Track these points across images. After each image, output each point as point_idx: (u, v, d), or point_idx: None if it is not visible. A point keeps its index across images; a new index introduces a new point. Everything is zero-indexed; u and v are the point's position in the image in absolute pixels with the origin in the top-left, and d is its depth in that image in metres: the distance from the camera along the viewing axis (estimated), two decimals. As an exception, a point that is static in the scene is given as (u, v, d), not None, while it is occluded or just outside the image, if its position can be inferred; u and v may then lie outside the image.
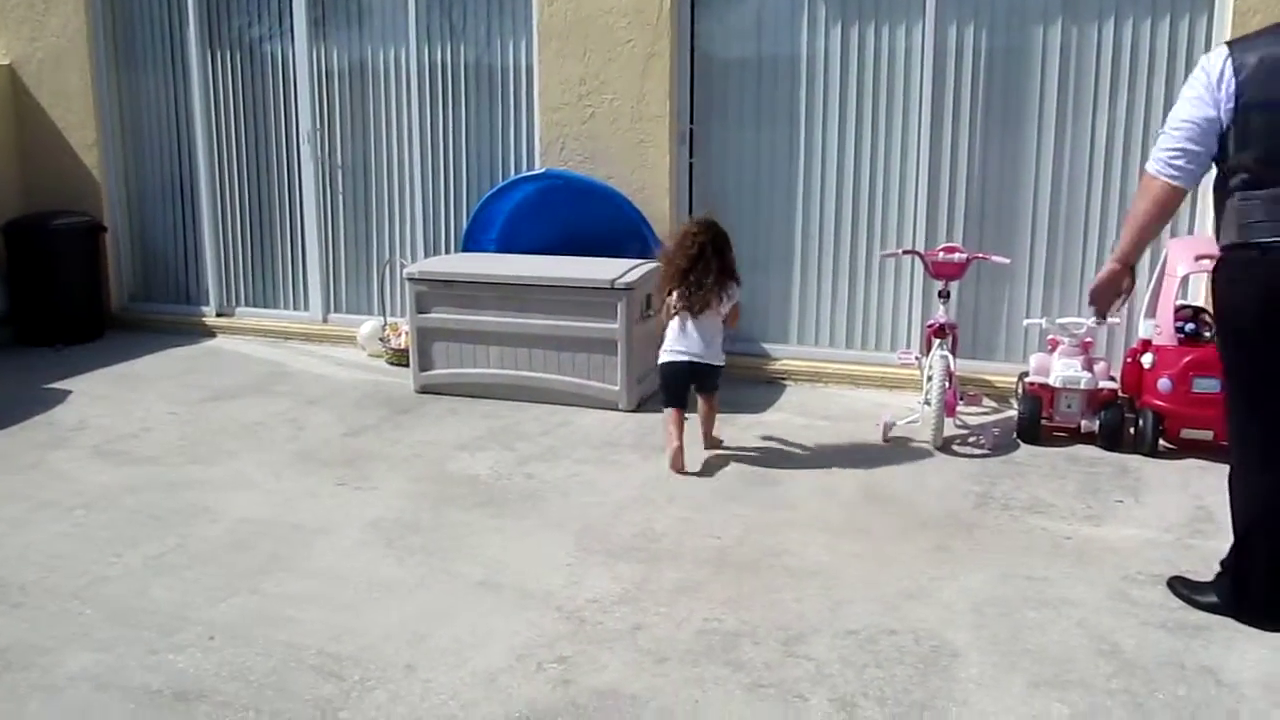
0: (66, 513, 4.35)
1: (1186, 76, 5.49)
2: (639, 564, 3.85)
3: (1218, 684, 3.04)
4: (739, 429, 5.37)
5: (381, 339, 6.75)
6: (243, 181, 7.46)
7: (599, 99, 6.30)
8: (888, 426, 5.21)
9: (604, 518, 4.27)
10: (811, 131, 6.16)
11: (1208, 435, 4.90)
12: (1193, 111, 3.24)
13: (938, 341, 5.17)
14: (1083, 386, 5.11)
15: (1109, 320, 4.04)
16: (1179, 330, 4.97)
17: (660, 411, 5.27)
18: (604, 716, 2.90)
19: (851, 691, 3.02)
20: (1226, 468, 3.47)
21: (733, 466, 4.87)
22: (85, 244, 7.39)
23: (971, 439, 5.21)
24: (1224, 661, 3.18)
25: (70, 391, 6.10)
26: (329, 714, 2.92)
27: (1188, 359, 4.87)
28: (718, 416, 5.17)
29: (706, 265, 4.81)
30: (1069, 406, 5.16)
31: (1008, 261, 5.52)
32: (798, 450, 5.09)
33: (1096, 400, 5.16)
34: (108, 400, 5.95)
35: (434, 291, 5.90)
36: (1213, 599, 3.49)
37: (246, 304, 7.62)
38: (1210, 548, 3.88)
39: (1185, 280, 5.13)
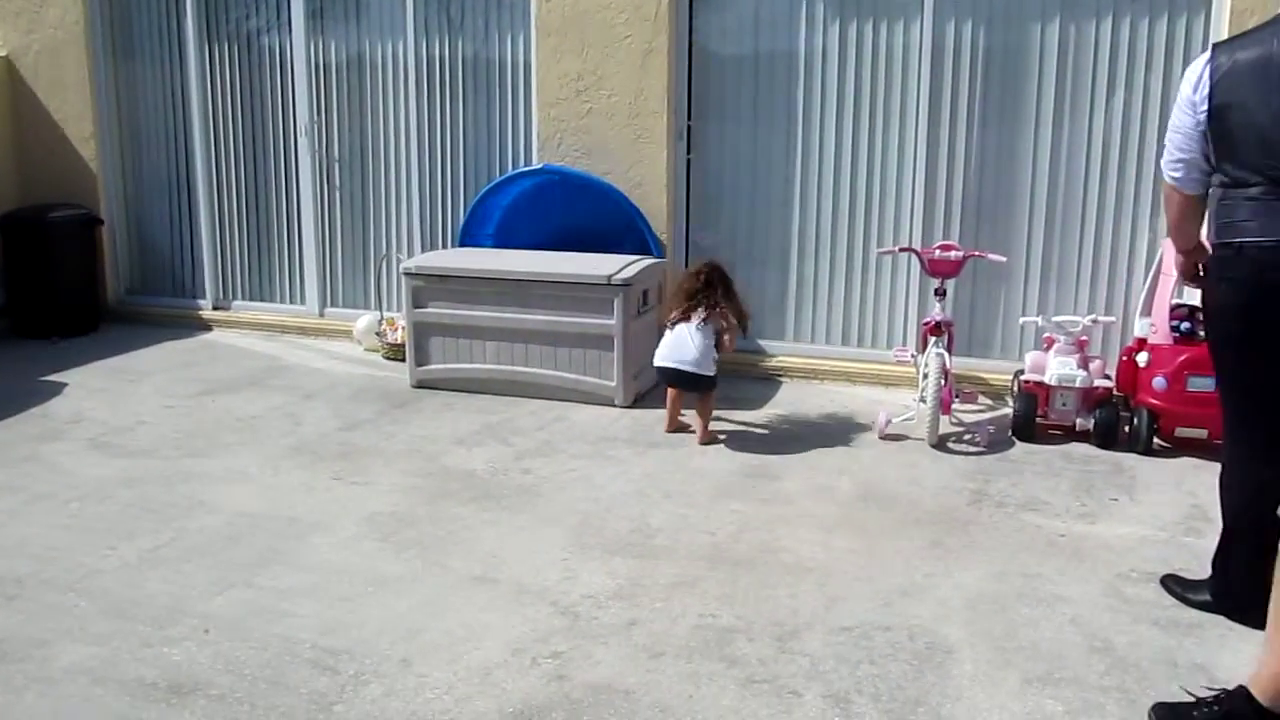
0: (62, 505, 4.35)
1: (1184, 69, 5.55)
2: (634, 559, 3.85)
3: (1211, 681, 3.04)
4: (735, 425, 5.38)
5: (378, 333, 6.75)
6: (239, 175, 7.46)
7: (597, 94, 6.30)
8: (884, 424, 5.22)
9: (600, 513, 4.28)
10: (809, 128, 6.16)
11: (1202, 434, 4.91)
12: (1179, 119, 3.31)
13: (934, 339, 5.18)
14: (1078, 384, 5.12)
15: None
16: (1174, 329, 4.99)
17: (657, 408, 5.38)
18: (598, 711, 2.91)
19: (845, 688, 3.03)
20: (1220, 465, 3.48)
21: (728, 463, 4.88)
22: (81, 236, 7.39)
23: (967, 436, 5.22)
24: (1217, 659, 3.19)
25: (66, 384, 6.10)
26: (324, 708, 2.92)
27: (1183, 357, 4.88)
28: (714, 413, 5.22)
29: (712, 291, 5.18)
30: (1064, 404, 5.17)
31: (1004, 259, 5.53)
32: (793, 447, 5.09)
33: (1092, 398, 5.17)
34: (104, 393, 5.95)
35: (430, 286, 5.90)
36: (1206, 597, 3.50)
37: (243, 298, 7.62)
38: (1204, 546, 3.89)
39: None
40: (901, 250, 5.78)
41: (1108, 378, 5.29)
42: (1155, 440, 5.01)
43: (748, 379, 6.15)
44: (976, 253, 5.41)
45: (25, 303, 7.23)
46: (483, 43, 6.71)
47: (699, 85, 6.32)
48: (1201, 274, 3.49)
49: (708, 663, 3.15)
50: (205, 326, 7.51)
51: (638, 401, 5.74)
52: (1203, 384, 4.81)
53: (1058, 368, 5.16)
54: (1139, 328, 5.19)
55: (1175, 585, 3.62)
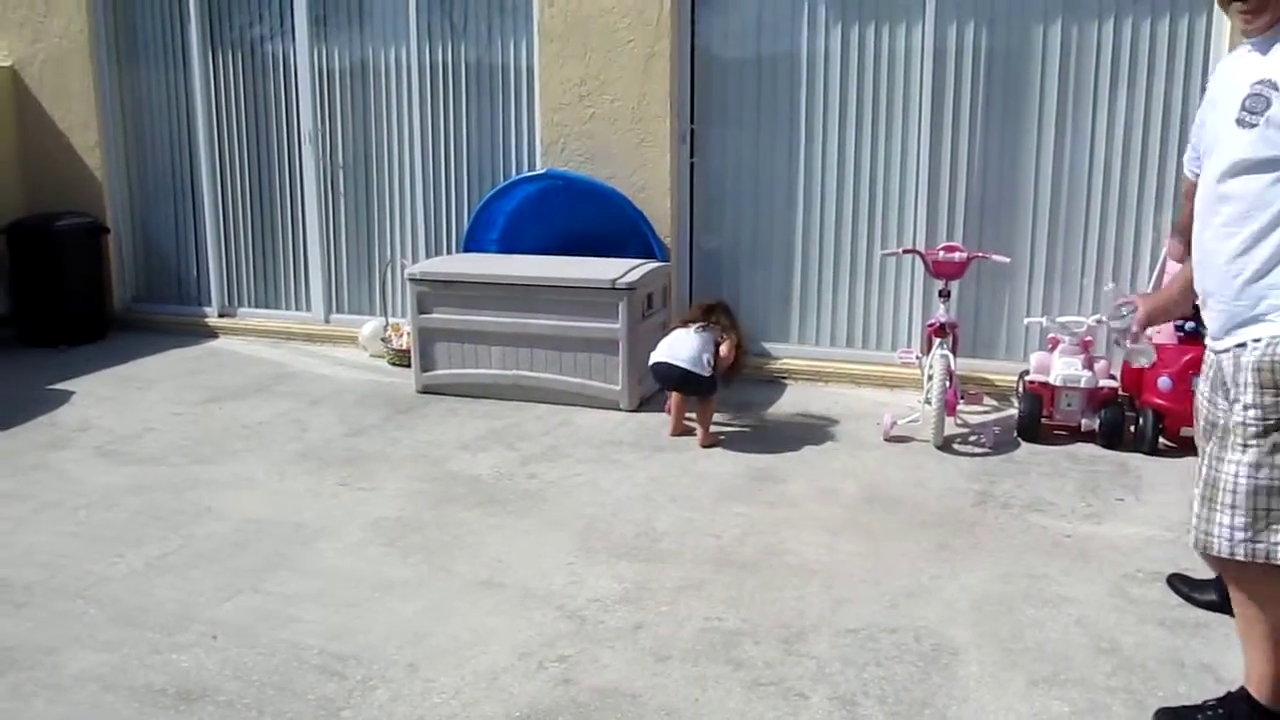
0: (70, 513, 4.37)
1: (1186, 75, 5.55)
2: (640, 563, 3.86)
3: (1217, 681, 3.05)
4: (740, 428, 5.39)
5: (383, 339, 6.77)
6: (244, 182, 7.48)
7: (600, 99, 6.31)
8: (889, 426, 5.22)
9: (605, 517, 4.29)
10: (812, 131, 6.17)
11: (1208, 433, 4.90)
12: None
13: (938, 340, 5.18)
14: (1083, 385, 5.12)
15: None
16: (1179, 329, 4.98)
17: (662, 412, 5.41)
18: (605, 715, 2.92)
19: (852, 690, 3.03)
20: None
21: (733, 466, 4.88)
22: (88, 245, 7.41)
23: (972, 438, 5.22)
24: (1223, 659, 3.19)
25: (73, 392, 6.12)
26: (331, 713, 2.93)
27: (1188, 357, 4.88)
28: (718, 414, 5.24)
29: (715, 313, 5.32)
30: (1069, 405, 5.17)
31: (1008, 260, 5.53)
32: (798, 450, 5.10)
33: (1097, 398, 5.17)
34: (111, 401, 5.97)
35: (435, 292, 5.92)
36: (1212, 596, 3.50)
37: (248, 305, 7.64)
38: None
39: (1185, 279, 5.14)
40: (905, 252, 5.78)
41: (1113, 378, 5.29)
42: (1161, 440, 5.01)
43: (752, 382, 6.15)
44: (980, 254, 5.41)
45: (32, 311, 7.25)
46: (485, 48, 6.73)
47: (701, 89, 6.33)
48: None
49: (714, 666, 3.15)
50: (211, 334, 7.53)
51: (643, 405, 5.74)
52: (1208, 384, 4.80)
53: (1062, 368, 5.16)
54: (1144, 328, 5.18)
55: (1182, 585, 3.62)
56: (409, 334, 6.17)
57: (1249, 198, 2.44)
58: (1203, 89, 5.47)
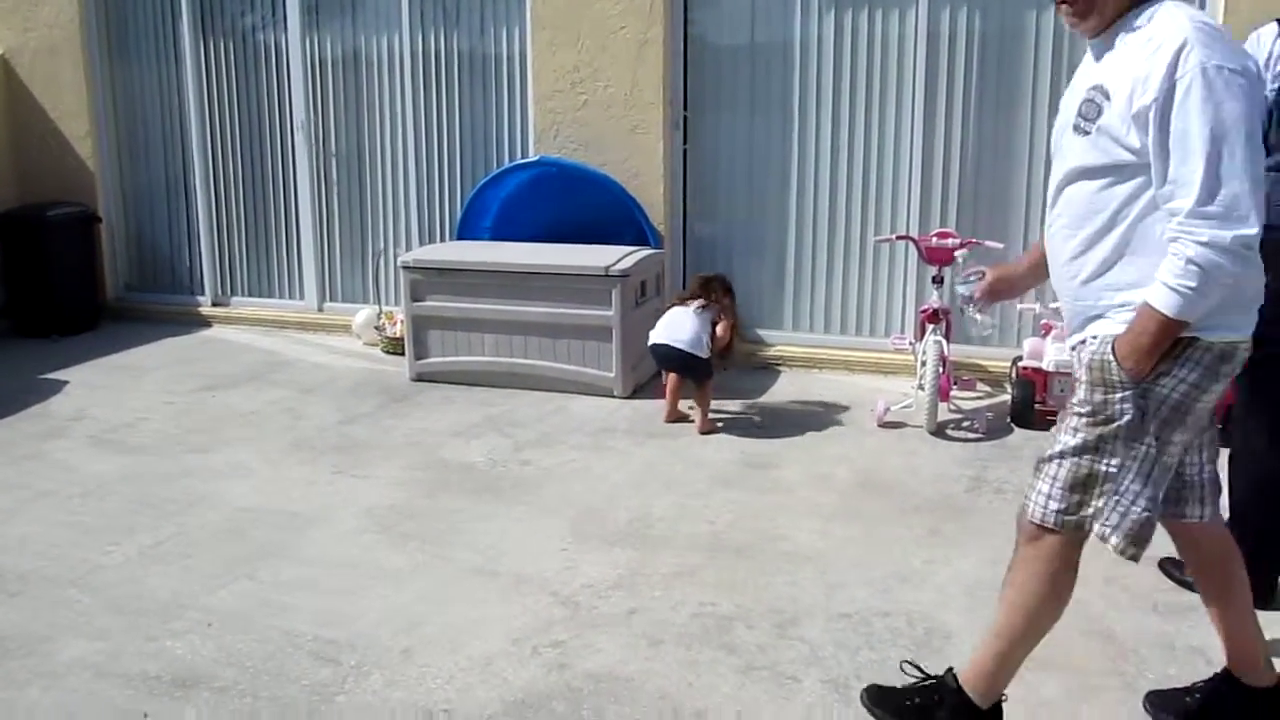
0: (64, 502, 4.37)
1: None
2: (634, 549, 3.87)
3: (1208, 664, 3.06)
4: (733, 415, 5.40)
5: (377, 327, 6.76)
6: (237, 171, 7.46)
7: (593, 86, 6.30)
8: (882, 412, 5.23)
9: (599, 503, 4.29)
10: (805, 117, 6.16)
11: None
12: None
13: (931, 326, 5.19)
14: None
15: None
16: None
17: (656, 399, 5.42)
18: (599, 700, 2.93)
19: (845, 674, 3.05)
20: (1222, 450, 3.48)
21: (727, 452, 4.89)
22: (80, 235, 7.40)
23: (965, 423, 5.23)
24: (1214, 641, 3.18)
25: (67, 382, 6.11)
26: (326, 698, 2.94)
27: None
28: (713, 402, 5.24)
29: (713, 288, 5.30)
30: (1062, 390, 5.17)
31: (1001, 247, 5.53)
32: (792, 436, 5.11)
33: (1090, 384, 5.17)
34: (104, 390, 5.96)
35: (429, 279, 5.91)
36: (1204, 580, 3.51)
37: (242, 294, 7.63)
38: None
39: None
40: (899, 238, 5.79)
41: (1105, 363, 5.29)
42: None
43: (746, 368, 6.16)
44: (974, 240, 5.41)
45: (25, 301, 7.24)
46: (478, 36, 6.71)
47: (695, 76, 6.32)
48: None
49: (707, 650, 3.16)
50: (205, 323, 7.52)
51: (637, 392, 5.75)
52: (1200, 368, 4.82)
53: (1056, 354, 5.16)
54: (1136, 313, 5.19)
55: (1174, 569, 3.63)
56: (402, 322, 6.17)
57: (1084, 202, 2.46)
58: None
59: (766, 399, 5.71)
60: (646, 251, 5.92)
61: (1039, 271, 2.86)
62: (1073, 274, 2.51)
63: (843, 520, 4.13)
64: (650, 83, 6.20)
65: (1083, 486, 2.47)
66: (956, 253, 5.32)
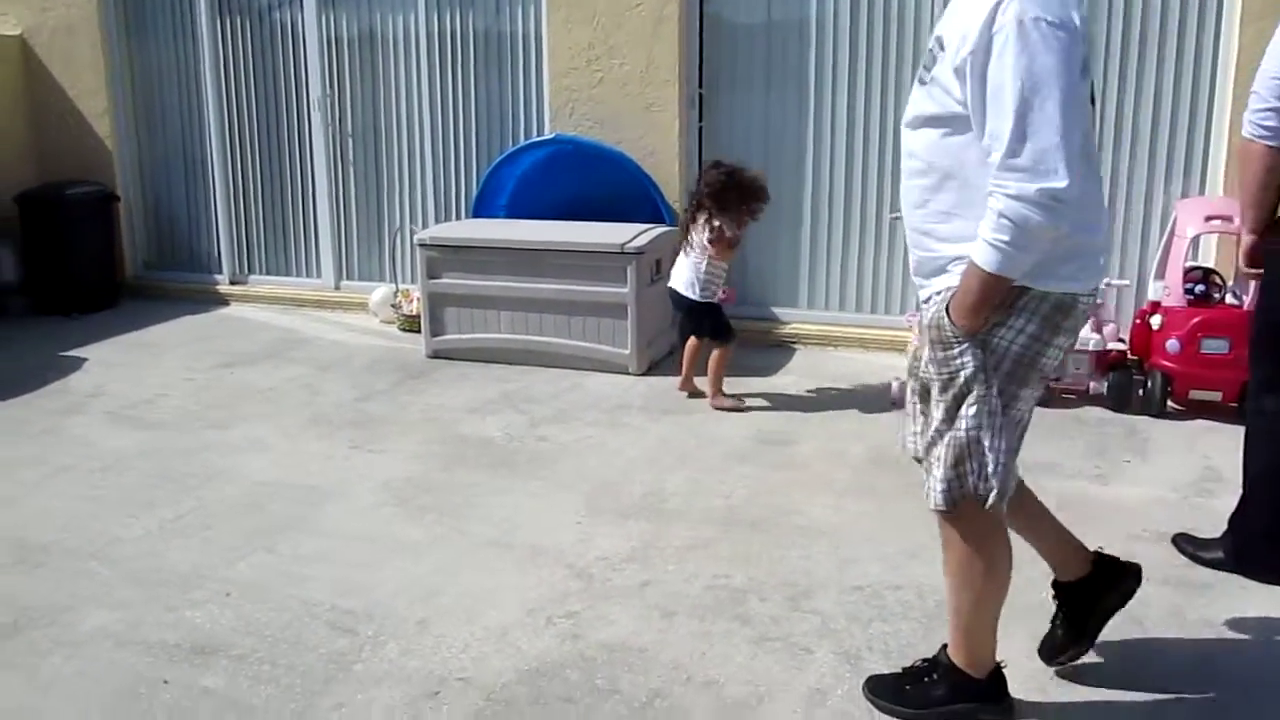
0: (84, 476, 4.42)
1: (1198, 39, 5.50)
2: (648, 523, 3.89)
3: (1217, 636, 3.07)
4: (748, 392, 5.40)
5: (393, 305, 6.79)
6: (254, 149, 7.49)
7: (608, 64, 6.30)
8: (897, 389, 5.23)
9: (614, 478, 4.32)
10: (821, 94, 6.15)
11: (1216, 396, 4.91)
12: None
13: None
14: (1091, 348, 5.12)
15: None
16: (1188, 292, 4.97)
17: (671, 375, 5.43)
18: (613, 669, 2.96)
19: (857, 645, 3.07)
20: (1235, 428, 3.49)
21: (742, 428, 4.91)
22: (99, 213, 7.44)
23: (980, 401, 5.22)
24: (1225, 615, 3.21)
25: (86, 359, 6.16)
26: (343, 667, 2.98)
27: (1196, 320, 4.87)
28: (726, 378, 5.22)
29: (699, 204, 5.09)
30: (1078, 368, 5.17)
31: (1017, 223, 5.51)
32: (807, 413, 5.12)
33: (1105, 362, 5.17)
34: (123, 367, 6.01)
35: (445, 257, 5.94)
36: (1218, 555, 3.51)
37: (259, 272, 7.67)
38: (1217, 506, 3.90)
39: (1195, 241, 5.12)
40: (914, 216, 5.76)
41: (1121, 341, 5.28)
42: (1169, 403, 5.01)
43: (761, 346, 6.16)
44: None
45: (44, 279, 7.29)
46: (494, 15, 6.71)
47: (710, 53, 6.31)
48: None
49: (720, 622, 3.19)
50: (222, 301, 7.56)
51: (651, 369, 5.76)
52: (1216, 346, 4.82)
53: (1071, 331, 5.15)
54: (1153, 290, 5.17)
55: (1187, 544, 3.63)
56: (419, 300, 6.19)
57: (924, 152, 2.48)
58: (1215, 53, 5.45)
59: (781, 376, 5.71)
60: (662, 229, 5.92)
61: None
62: (916, 223, 2.54)
63: (856, 496, 4.14)
64: (666, 60, 6.19)
65: (959, 459, 2.49)
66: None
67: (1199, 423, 4.91)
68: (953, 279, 2.44)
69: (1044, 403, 5.12)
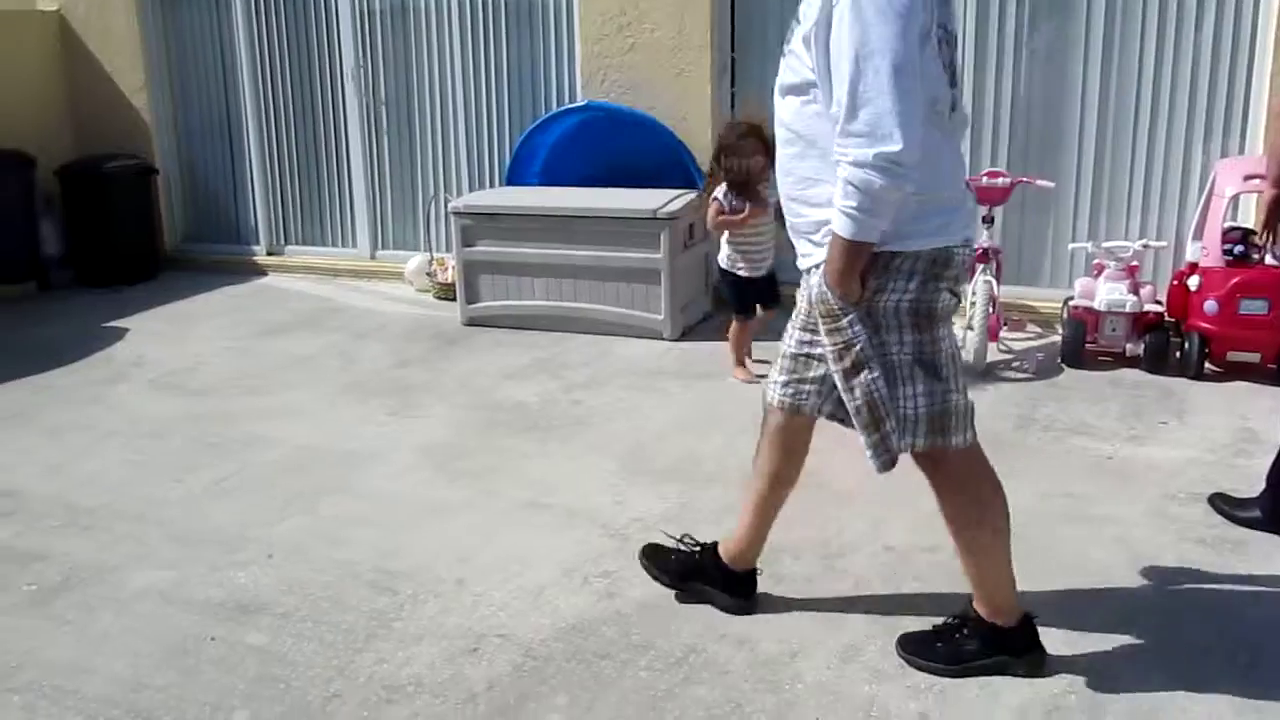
0: (129, 442, 4.51)
1: (1236, -4, 5.41)
2: (682, 485, 3.93)
3: (1255, 598, 3.07)
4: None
5: (429, 273, 6.84)
6: (288, 120, 7.55)
7: (639, 30, 6.28)
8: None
9: (648, 442, 4.35)
10: (854, 58, 6.10)
11: (1254, 357, 4.87)
12: None
13: (981, 266, 5.16)
14: (1128, 310, 5.08)
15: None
16: (1227, 252, 4.92)
17: (704, 341, 5.43)
18: (647, 627, 3.00)
19: (889, 605, 3.09)
20: (1274, 390, 3.47)
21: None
22: (138, 186, 7.53)
23: (1015, 364, 5.21)
24: (1261, 573, 3.20)
25: (128, 330, 6.26)
26: (384, 624, 3.04)
27: (1234, 281, 4.83)
28: (755, 344, 5.21)
29: (711, 176, 5.10)
30: (1114, 330, 5.14)
31: (1052, 185, 5.48)
32: (840, 376, 5.10)
33: (1142, 323, 5.13)
34: (164, 337, 6.11)
35: (479, 225, 5.97)
36: (1255, 514, 3.50)
37: (296, 242, 7.75)
38: (1254, 466, 3.88)
39: (1234, 201, 5.07)
40: (948, 179, 5.72)
41: (1158, 303, 5.24)
42: (1206, 365, 4.97)
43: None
44: (1024, 179, 5.36)
45: (86, 252, 7.40)
46: (525, -19, 6.72)
47: (741, 19, 6.28)
48: None
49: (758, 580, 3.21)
50: (260, 271, 7.65)
51: (685, 335, 5.78)
52: (1255, 307, 4.78)
53: (1107, 293, 5.12)
54: (1190, 251, 5.12)
55: (1223, 504, 3.62)
56: (453, 267, 6.24)
57: (790, 121, 2.58)
58: (1256, 9, 5.36)
59: (815, 341, 5.70)
60: (694, 194, 5.92)
61: None
62: (787, 189, 2.64)
63: (890, 457, 4.14)
64: (697, 26, 6.17)
65: (876, 422, 2.59)
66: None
67: (1237, 384, 4.87)
68: (821, 249, 2.54)
69: (1079, 364, 5.12)
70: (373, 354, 5.66)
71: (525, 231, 5.87)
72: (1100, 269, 5.25)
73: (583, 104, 6.42)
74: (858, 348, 2.52)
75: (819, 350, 2.68)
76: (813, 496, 3.78)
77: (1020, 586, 3.13)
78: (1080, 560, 3.32)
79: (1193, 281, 4.99)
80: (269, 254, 7.75)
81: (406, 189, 7.34)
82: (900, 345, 2.54)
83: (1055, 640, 2.85)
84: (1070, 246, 5.73)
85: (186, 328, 6.29)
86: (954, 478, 2.73)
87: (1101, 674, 2.73)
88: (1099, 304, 5.13)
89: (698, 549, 3.14)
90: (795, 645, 2.90)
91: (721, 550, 3.09)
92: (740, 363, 5.16)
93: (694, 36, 6.18)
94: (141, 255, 7.55)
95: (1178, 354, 5.03)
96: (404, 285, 7.07)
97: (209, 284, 7.31)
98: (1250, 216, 5.38)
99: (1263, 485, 3.53)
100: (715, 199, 4.93)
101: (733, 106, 6.36)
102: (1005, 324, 5.50)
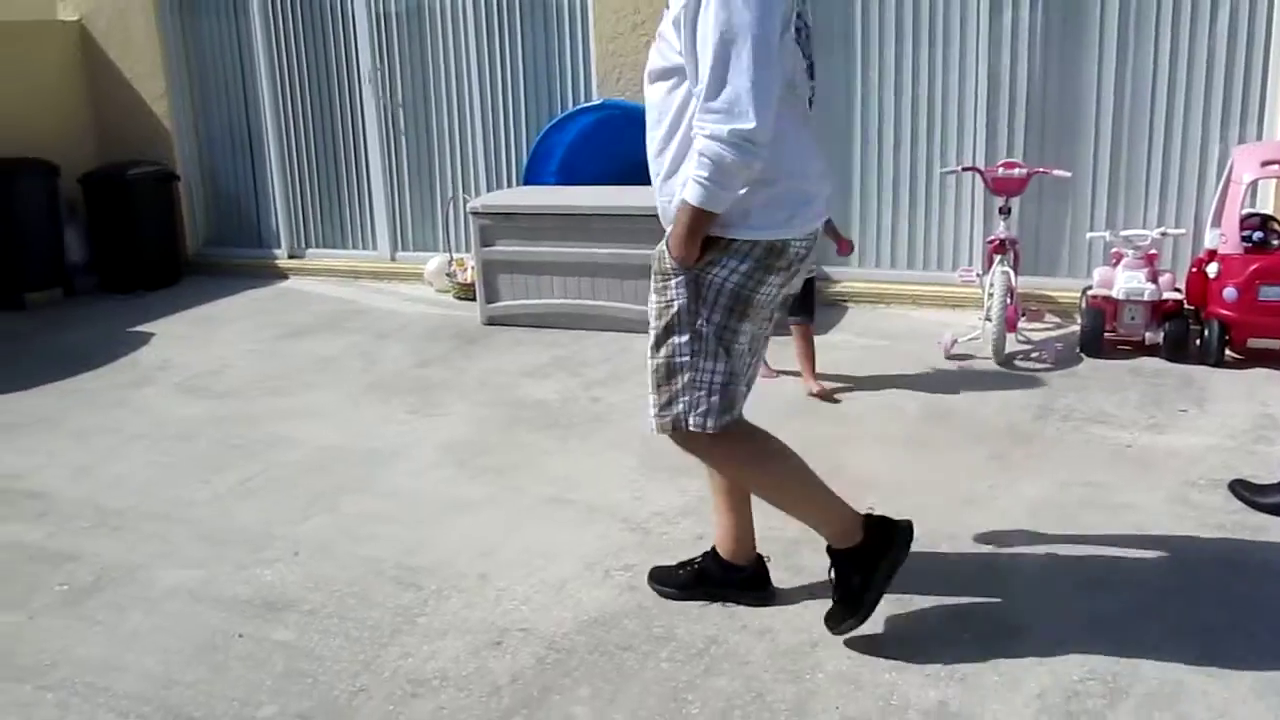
0: (156, 444, 4.57)
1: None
2: (702, 479, 3.90)
3: (1275, 582, 3.07)
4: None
5: (448, 274, 6.89)
6: (307, 125, 7.61)
7: (654, 28, 6.27)
8: (949, 344, 5.23)
9: (667, 438, 4.36)
10: (869, 50, 6.12)
11: (1275, 344, 4.86)
12: None
13: (999, 257, 5.16)
14: (1147, 298, 5.07)
15: None
16: (1246, 239, 4.91)
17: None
18: (669, 618, 3.03)
19: (910, 593, 3.10)
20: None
21: (795, 386, 4.93)
22: (159, 192, 7.62)
23: (1034, 354, 5.21)
24: (1277, 557, 3.21)
25: (153, 334, 6.34)
26: (408, 619, 3.08)
27: (1254, 267, 4.82)
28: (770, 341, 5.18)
29: None
30: (1133, 319, 5.13)
31: (1069, 175, 5.47)
32: (859, 369, 5.13)
33: (1161, 312, 5.12)
34: (188, 340, 6.18)
35: (497, 224, 6.01)
36: (1275, 500, 3.50)
37: (316, 245, 7.81)
38: (1275, 452, 3.89)
39: (1253, 187, 5.05)
40: (965, 170, 5.73)
41: (1177, 290, 5.22)
42: (1227, 352, 4.96)
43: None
44: (1041, 169, 5.35)
45: (110, 258, 7.49)
46: (539, -19, 6.75)
47: (756, 13, 6.28)
48: None
49: (775, 571, 3.23)
50: (281, 275, 7.71)
51: (704, 331, 5.79)
52: (1274, 293, 4.78)
53: (1126, 281, 5.11)
54: (1209, 239, 5.11)
55: (1244, 490, 3.62)
56: (473, 267, 6.28)
57: (657, 105, 2.69)
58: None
59: (834, 334, 5.73)
60: (710, 191, 5.93)
61: None
62: (655, 171, 2.74)
63: (910, 448, 4.17)
64: (711, 21, 6.17)
65: (666, 383, 2.75)
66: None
67: (1258, 371, 4.86)
68: None
69: (1098, 353, 5.12)
70: (394, 354, 5.71)
71: (543, 230, 5.90)
72: (1118, 258, 5.25)
73: (599, 102, 6.45)
74: (674, 310, 2.68)
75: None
76: (833, 487, 3.80)
77: (1036, 574, 3.16)
78: (1097, 548, 3.32)
79: (1212, 269, 4.98)
80: (290, 257, 7.82)
81: (425, 190, 7.39)
82: (708, 322, 2.67)
83: (1076, 627, 2.86)
84: (1088, 235, 5.73)
85: (210, 331, 6.36)
86: (735, 450, 2.90)
87: (1121, 659, 2.74)
88: (1118, 293, 5.13)
89: (698, 559, 3.19)
90: (815, 635, 2.92)
91: (720, 551, 3.15)
92: (810, 373, 4.91)
93: (708, 33, 6.18)
94: (164, 260, 7.63)
95: (1197, 341, 5.02)
96: (424, 286, 7.12)
97: (231, 288, 7.39)
98: (1269, 202, 5.36)
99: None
100: None
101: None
102: (1024, 314, 5.50)
